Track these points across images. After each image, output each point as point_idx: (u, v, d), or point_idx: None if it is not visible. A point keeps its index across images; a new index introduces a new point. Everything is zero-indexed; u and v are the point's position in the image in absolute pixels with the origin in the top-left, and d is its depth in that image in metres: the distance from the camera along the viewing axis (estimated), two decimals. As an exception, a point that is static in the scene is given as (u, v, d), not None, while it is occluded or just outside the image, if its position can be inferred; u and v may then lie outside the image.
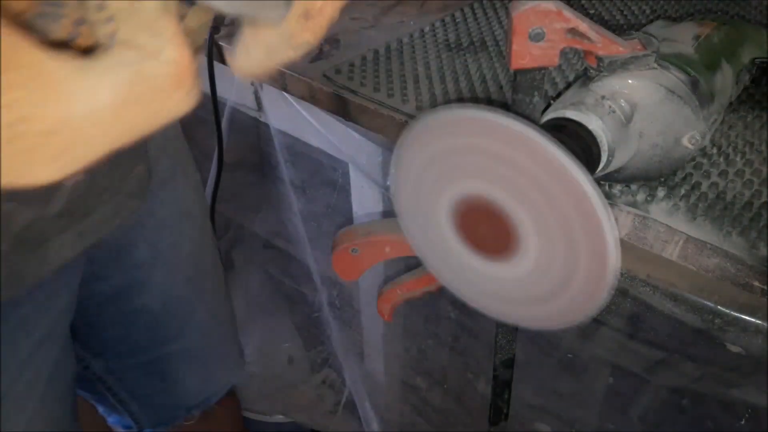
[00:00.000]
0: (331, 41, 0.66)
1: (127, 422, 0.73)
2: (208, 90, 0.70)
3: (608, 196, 0.47)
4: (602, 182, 0.47)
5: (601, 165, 0.40)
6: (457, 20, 0.71)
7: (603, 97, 0.41)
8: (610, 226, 0.28)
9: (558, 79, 0.60)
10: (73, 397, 0.62)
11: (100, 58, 0.21)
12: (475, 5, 0.74)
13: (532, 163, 0.29)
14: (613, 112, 0.40)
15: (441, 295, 0.50)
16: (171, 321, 0.68)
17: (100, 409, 0.74)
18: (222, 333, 0.76)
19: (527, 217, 0.31)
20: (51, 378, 0.55)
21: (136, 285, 0.64)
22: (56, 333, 0.55)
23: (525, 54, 0.37)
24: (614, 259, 0.29)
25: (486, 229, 0.33)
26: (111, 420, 0.75)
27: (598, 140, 0.39)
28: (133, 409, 0.72)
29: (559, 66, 0.61)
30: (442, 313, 0.68)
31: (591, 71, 0.41)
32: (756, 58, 0.54)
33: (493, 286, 0.35)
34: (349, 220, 0.78)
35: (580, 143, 0.38)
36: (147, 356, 0.69)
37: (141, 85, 0.21)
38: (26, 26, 0.23)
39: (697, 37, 0.50)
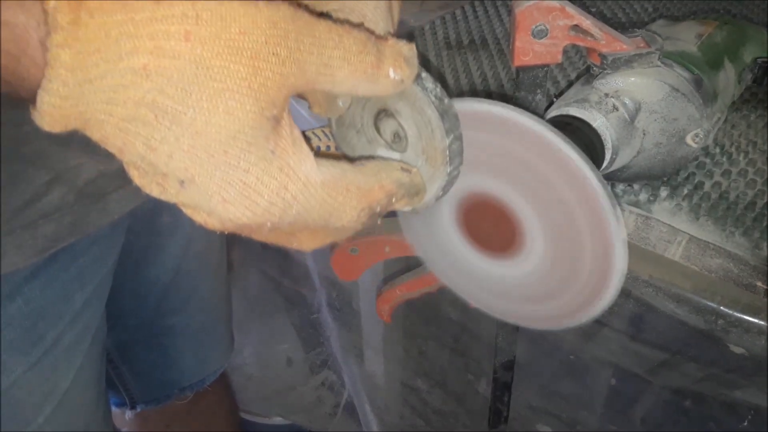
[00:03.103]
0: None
1: (121, 399, 0.75)
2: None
3: (611, 196, 0.47)
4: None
5: (605, 163, 0.40)
6: (457, 18, 0.71)
7: (607, 95, 0.40)
8: (618, 226, 0.28)
9: (560, 78, 0.59)
10: (106, 406, 0.63)
11: None
12: (476, 3, 0.73)
13: (540, 159, 0.29)
14: (617, 110, 0.40)
15: (441, 295, 0.50)
16: (177, 294, 0.71)
17: None
18: (219, 313, 0.79)
19: (533, 215, 0.31)
20: (95, 335, 0.57)
21: (153, 253, 0.66)
22: (103, 292, 0.58)
23: (528, 51, 0.37)
24: (621, 260, 0.29)
25: (490, 226, 0.32)
26: None
27: (602, 138, 0.39)
28: (130, 384, 0.74)
29: (561, 64, 0.61)
30: (442, 314, 0.67)
31: (594, 69, 0.41)
32: (758, 58, 0.54)
33: (496, 286, 0.34)
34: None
35: (583, 141, 0.37)
36: (151, 329, 0.71)
37: None
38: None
39: (699, 36, 0.49)
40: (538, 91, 0.39)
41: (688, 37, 0.49)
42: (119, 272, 0.60)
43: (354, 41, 0.24)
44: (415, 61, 0.26)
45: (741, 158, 0.50)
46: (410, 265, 0.53)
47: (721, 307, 0.43)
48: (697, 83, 0.42)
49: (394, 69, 0.25)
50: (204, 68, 0.22)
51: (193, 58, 0.21)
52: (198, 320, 0.75)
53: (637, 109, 0.41)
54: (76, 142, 0.46)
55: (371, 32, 0.26)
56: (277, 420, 1.10)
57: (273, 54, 0.22)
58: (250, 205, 0.24)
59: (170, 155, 0.22)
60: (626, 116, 0.40)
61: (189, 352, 0.75)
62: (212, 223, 0.24)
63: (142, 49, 0.21)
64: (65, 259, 0.50)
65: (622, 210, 0.46)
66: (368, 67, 0.25)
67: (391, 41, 0.26)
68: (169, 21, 0.21)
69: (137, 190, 0.24)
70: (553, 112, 0.41)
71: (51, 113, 0.21)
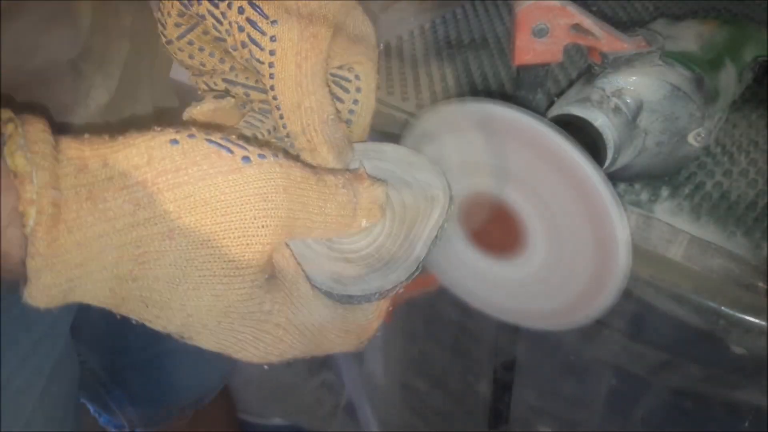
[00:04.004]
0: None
1: (119, 422, 0.73)
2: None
3: (612, 196, 0.46)
4: (606, 181, 0.47)
5: (607, 163, 0.39)
6: (457, 17, 0.71)
7: (608, 94, 0.40)
8: (621, 226, 0.28)
9: (561, 77, 0.59)
10: (75, 400, 0.61)
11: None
12: (476, 2, 0.73)
13: (542, 158, 0.28)
14: (619, 109, 0.40)
15: (441, 295, 0.49)
16: None
17: (92, 408, 0.73)
18: None
19: (535, 215, 0.30)
20: (51, 377, 0.54)
21: None
22: (57, 331, 0.55)
23: (528, 50, 0.37)
24: (623, 260, 0.29)
25: (492, 226, 0.32)
26: (103, 420, 0.74)
27: (604, 138, 0.39)
28: (126, 407, 0.72)
29: (562, 63, 0.60)
30: (442, 315, 0.67)
31: (595, 68, 0.41)
32: (758, 57, 0.54)
33: (497, 286, 0.34)
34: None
35: (585, 140, 0.37)
36: (143, 353, 0.69)
37: (347, 321, 0.27)
38: (238, 133, 0.29)
39: (700, 35, 0.49)
40: (539, 90, 0.39)
41: (688, 36, 0.49)
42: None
43: (335, 206, 0.25)
44: (386, 202, 0.28)
45: (742, 158, 0.50)
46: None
47: (722, 308, 0.42)
48: (699, 82, 0.42)
49: (367, 219, 0.26)
50: (189, 260, 0.21)
51: (178, 253, 0.21)
52: None
53: (639, 109, 0.41)
54: None
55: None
56: (276, 421, 1.09)
57: (262, 227, 0.22)
58: (246, 355, 0.24)
59: (165, 327, 0.23)
60: (628, 115, 0.40)
61: (186, 372, 0.73)
62: None
63: (126, 258, 0.21)
64: (6, 304, 0.47)
65: (625, 210, 0.46)
66: (342, 226, 0.26)
67: (367, 183, 0.26)
68: (151, 223, 0.21)
69: None
70: (554, 112, 0.41)
71: (40, 304, 0.21)
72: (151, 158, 0.21)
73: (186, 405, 0.74)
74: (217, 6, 0.28)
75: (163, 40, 0.34)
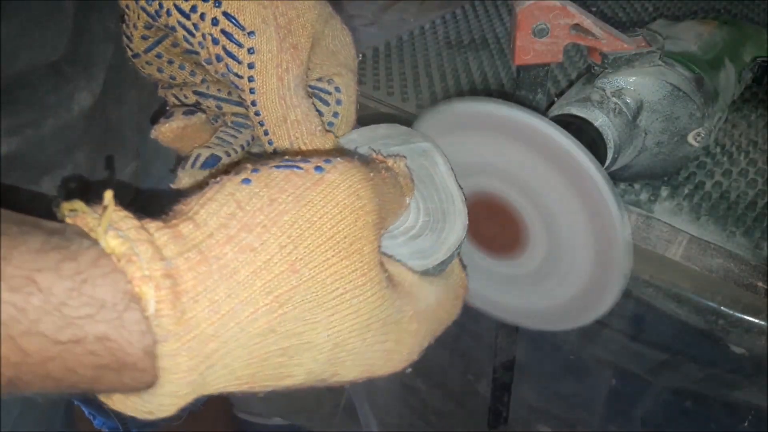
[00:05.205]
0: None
1: (113, 424, 0.73)
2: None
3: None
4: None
5: (607, 162, 0.39)
6: (457, 17, 0.71)
7: (608, 94, 0.40)
8: (623, 226, 0.28)
9: (560, 77, 0.59)
10: (66, 403, 0.61)
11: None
12: (476, 3, 0.73)
13: (544, 157, 0.28)
14: (619, 109, 0.40)
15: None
16: None
17: (87, 410, 0.73)
18: None
19: (536, 215, 0.30)
20: None
21: None
22: None
23: (529, 49, 0.37)
24: (625, 261, 0.29)
25: (493, 226, 0.32)
26: (97, 422, 0.74)
27: (604, 137, 0.39)
28: None
29: (561, 64, 0.60)
30: (442, 314, 0.67)
31: (595, 68, 0.41)
32: (758, 57, 0.54)
33: (497, 285, 0.34)
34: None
35: (585, 140, 0.37)
36: None
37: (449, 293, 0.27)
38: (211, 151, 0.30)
39: (699, 36, 0.49)
40: (539, 90, 0.39)
41: (688, 36, 0.49)
42: None
43: (392, 188, 0.25)
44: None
45: (742, 158, 0.50)
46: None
47: (722, 307, 0.42)
48: (698, 82, 0.42)
49: (408, 195, 0.27)
50: (319, 286, 0.21)
51: (308, 285, 0.20)
52: None
53: (639, 108, 0.41)
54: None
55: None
56: (277, 420, 1.09)
57: (364, 225, 0.22)
58: (391, 364, 0.24)
59: (309, 372, 0.22)
60: (628, 115, 0.40)
61: None
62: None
63: (260, 310, 0.19)
64: None
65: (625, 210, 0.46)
66: (398, 207, 0.26)
67: (390, 162, 0.27)
68: (272, 264, 0.20)
69: None
70: (554, 112, 0.41)
71: (168, 410, 0.20)
72: (239, 202, 0.20)
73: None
74: (188, 17, 0.27)
75: (129, 53, 0.32)
